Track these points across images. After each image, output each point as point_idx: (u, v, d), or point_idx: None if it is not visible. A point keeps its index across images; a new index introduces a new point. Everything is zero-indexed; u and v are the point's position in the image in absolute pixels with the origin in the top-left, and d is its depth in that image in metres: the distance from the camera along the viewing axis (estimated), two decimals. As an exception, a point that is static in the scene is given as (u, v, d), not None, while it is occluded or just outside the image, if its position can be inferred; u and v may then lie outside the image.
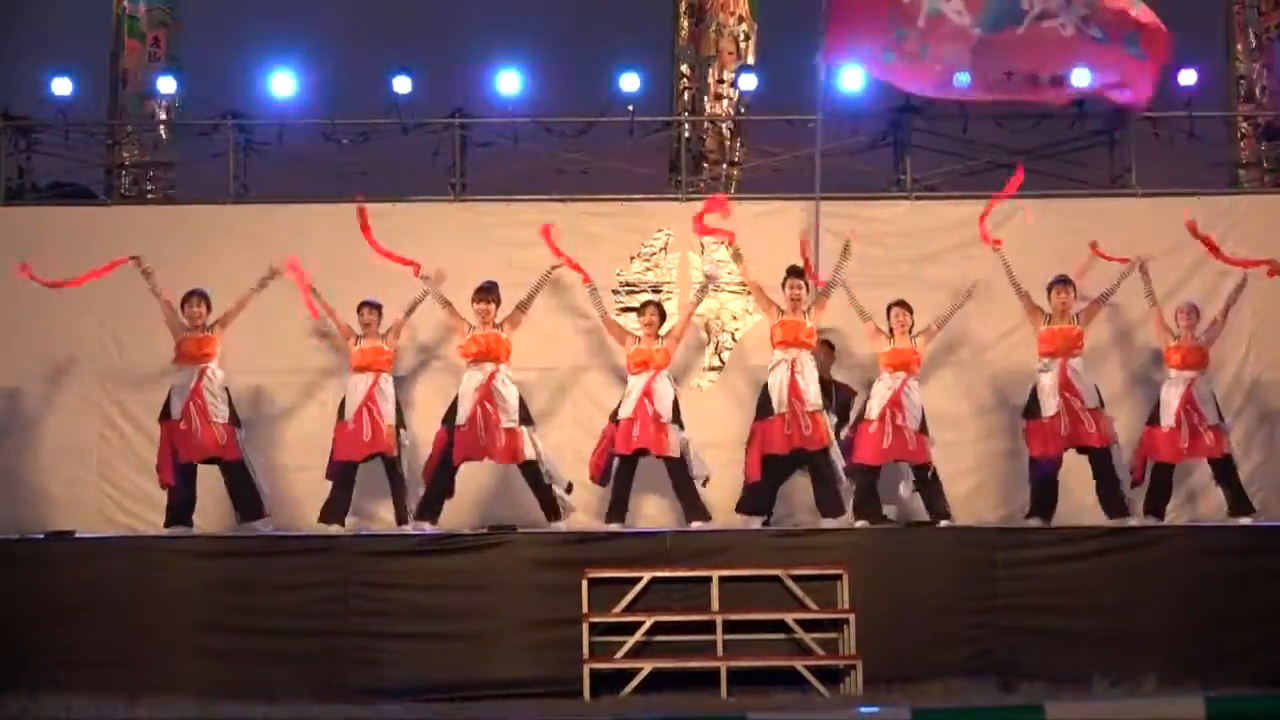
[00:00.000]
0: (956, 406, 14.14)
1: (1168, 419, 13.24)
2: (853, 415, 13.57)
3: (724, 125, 15.79)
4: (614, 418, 13.16)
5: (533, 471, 13.03)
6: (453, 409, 13.06)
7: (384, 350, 13.27)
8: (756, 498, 13.16)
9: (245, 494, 13.00)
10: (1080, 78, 13.85)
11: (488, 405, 12.90)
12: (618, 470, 13.12)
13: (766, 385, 13.06)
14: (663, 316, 13.42)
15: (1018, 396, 14.17)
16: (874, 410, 13.17)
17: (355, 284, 14.33)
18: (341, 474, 13.23)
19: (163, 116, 15.71)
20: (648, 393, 13.05)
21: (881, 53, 13.85)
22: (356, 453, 13.13)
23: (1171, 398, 13.28)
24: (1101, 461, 13.14)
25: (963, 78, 13.83)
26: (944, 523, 13.02)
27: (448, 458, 13.02)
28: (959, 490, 13.71)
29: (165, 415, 12.98)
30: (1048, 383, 13.12)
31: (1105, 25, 13.78)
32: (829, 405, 13.33)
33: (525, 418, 13.05)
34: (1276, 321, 14.58)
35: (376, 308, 13.36)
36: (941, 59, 13.80)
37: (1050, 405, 13.05)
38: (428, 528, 12.93)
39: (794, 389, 12.92)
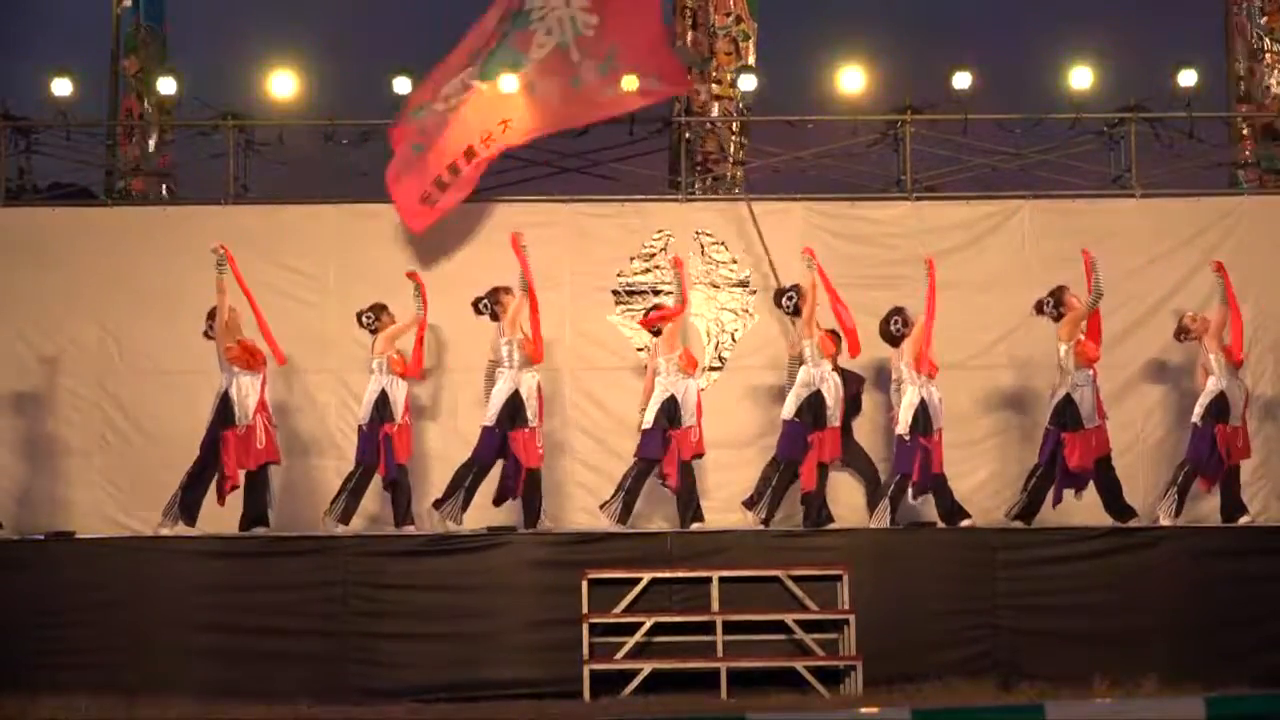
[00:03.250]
0: (960, 405, 14.13)
1: (1237, 418, 13.25)
2: (905, 419, 13.00)
3: (725, 126, 15.78)
4: (674, 424, 12.99)
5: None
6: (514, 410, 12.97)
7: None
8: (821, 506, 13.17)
9: (262, 500, 12.98)
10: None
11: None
12: (638, 474, 13.09)
13: (820, 394, 12.95)
14: None
15: (1019, 395, 14.21)
16: (941, 419, 13.07)
17: (355, 284, 14.39)
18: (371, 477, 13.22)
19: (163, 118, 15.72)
20: (699, 398, 13.22)
21: (433, 190, 14.16)
22: (408, 455, 13.14)
23: (1239, 397, 13.28)
24: (1110, 470, 13.17)
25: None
26: (966, 522, 13.00)
27: (490, 460, 13.02)
28: (962, 489, 13.67)
29: (227, 422, 12.75)
30: (1090, 395, 13.01)
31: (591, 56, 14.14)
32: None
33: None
34: (1276, 322, 14.58)
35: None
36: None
37: (1095, 417, 13.00)
38: (452, 526, 12.94)
39: (841, 402, 13.08)
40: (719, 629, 11.93)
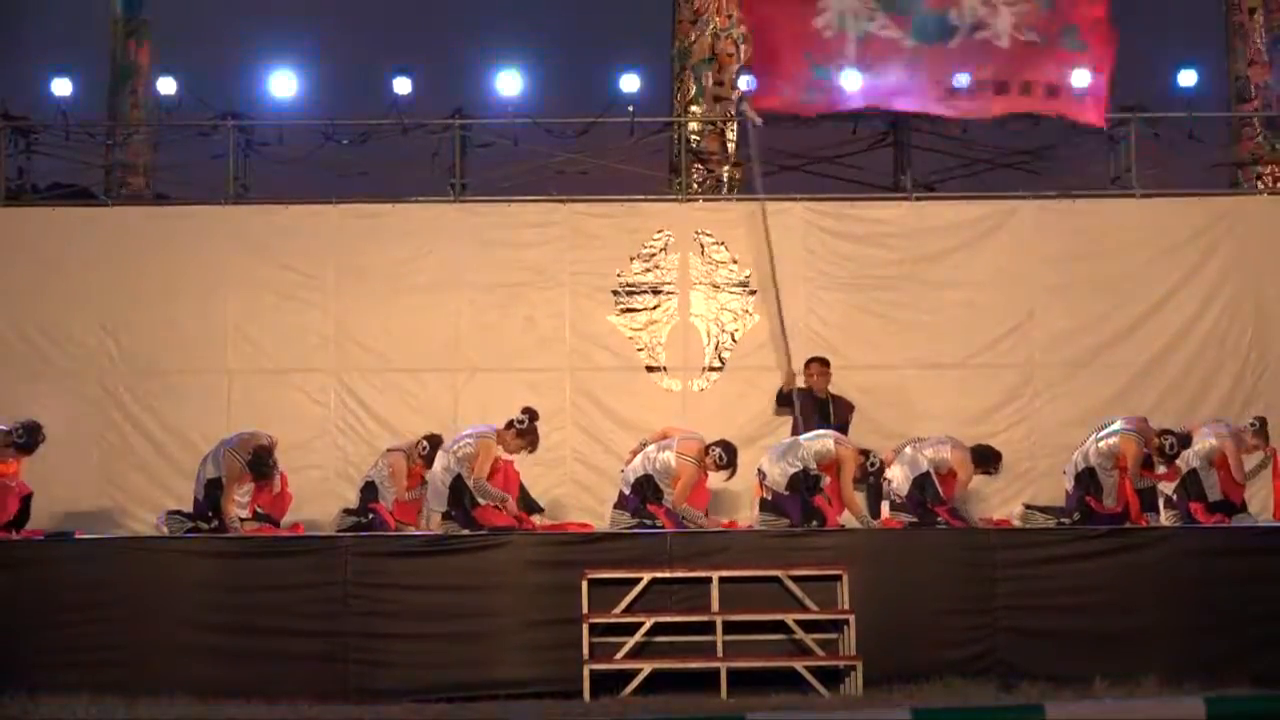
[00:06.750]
0: (959, 405, 14.16)
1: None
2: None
3: (724, 126, 15.80)
4: (655, 501, 12.81)
5: None
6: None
7: None
8: None
9: None
10: (1028, 87, 14.10)
11: None
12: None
13: (816, 476, 12.87)
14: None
15: (1019, 394, 14.23)
16: None
17: (354, 284, 14.42)
18: None
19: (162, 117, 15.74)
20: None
21: (803, 92, 14.13)
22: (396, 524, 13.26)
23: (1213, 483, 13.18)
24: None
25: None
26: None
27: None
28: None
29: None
30: (1116, 482, 13.00)
31: (1039, 27, 14.04)
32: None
33: None
34: (1276, 322, 14.58)
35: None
36: (877, 73, 14.13)
37: (1115, 496, 12.98)
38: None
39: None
40: (719, 629, 11.92)
